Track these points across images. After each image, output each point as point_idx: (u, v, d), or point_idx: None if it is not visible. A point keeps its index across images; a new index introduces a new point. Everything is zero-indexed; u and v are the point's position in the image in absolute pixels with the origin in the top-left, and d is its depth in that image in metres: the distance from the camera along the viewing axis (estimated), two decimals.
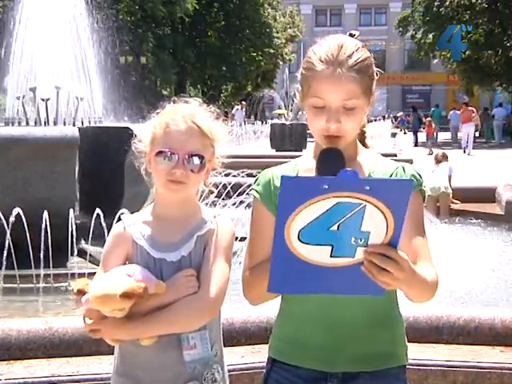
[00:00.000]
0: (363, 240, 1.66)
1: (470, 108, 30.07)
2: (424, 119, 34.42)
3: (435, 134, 32.04)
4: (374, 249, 1.67)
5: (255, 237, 2.06)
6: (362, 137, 2.13)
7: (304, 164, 2.07)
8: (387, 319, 2.03)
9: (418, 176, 2.02)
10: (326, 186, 1.59)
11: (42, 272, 5.99)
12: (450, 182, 10.98)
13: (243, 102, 37.12)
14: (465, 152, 27.37)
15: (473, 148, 28.21)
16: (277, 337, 2.10)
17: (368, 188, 1.60)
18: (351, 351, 1.99)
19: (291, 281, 1.72)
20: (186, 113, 2.12)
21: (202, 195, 2.27)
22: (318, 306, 1.94)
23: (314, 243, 1.65)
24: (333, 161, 1.90)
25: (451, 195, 10.71)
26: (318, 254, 1.67)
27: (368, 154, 2.09)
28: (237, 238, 2.21)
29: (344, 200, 1.61)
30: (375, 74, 2.02)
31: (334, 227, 1.63)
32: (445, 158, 11.51)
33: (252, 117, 36.16)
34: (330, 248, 1.66)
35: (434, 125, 30.76)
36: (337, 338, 1.98)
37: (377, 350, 2.00)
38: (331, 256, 1.67)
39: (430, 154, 24.79)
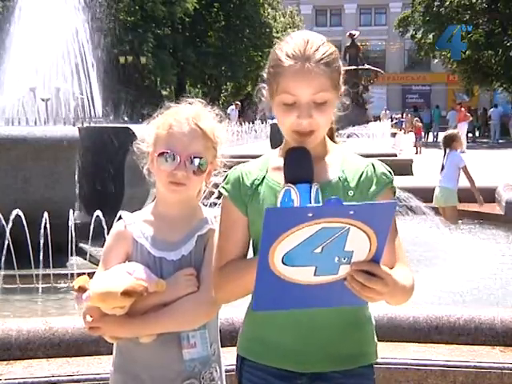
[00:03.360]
0: (346, 259, 1.67)
1: (462, 109, 30.98)
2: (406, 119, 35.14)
3: (428, 134, 32.44)
4: (357, 266, 1.67)
5: (224, 235, 2.04)
6: (331, 133, 2.11)
7: (273, 161, 2.05)
8: (357, 319, 2.02)
9: (388, 173, 2.00)
10: (311, 214, 1.60)
11: (42, 272, 5.99)
12: (467, 174, 9.11)
13: (238, 103, 37.09)
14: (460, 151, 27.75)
15: (472, 148, 28.51)
16: (245, 336, 2.09)
17: (352, 213, 1.61)
18: (321, 352, 1.98)
19: (276, 299, 1.73)
20: (189, 114, 2.13)
21: (202, 196, 2.28)
22: None
23: (298, 265, 1.66)
24: (300, 160, 1.89)
25: (457, 205, 9.30)
26: (302, 274, 1.68)
27: (337, 150, 2.07)
28: None
29: (328, 225, 1.61)
30: (342, 68, 2.01)
31: (318, 250, 1.64)
32: (456, 141, 9.27)
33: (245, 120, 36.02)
34: (313, 268, 1.67)
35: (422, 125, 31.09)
36: (306, 339, 1.98)
37: (347, 350, 2.00)
38: (315, 275, 1.68)
39: (416, 153, 25.16)
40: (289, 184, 1.86)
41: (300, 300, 1.74)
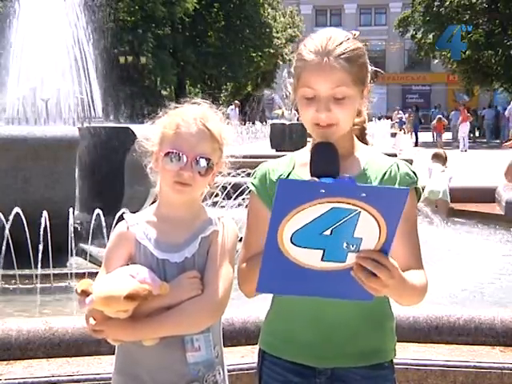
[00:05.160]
0: (355, 246, 1.66)
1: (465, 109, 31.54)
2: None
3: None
4: (365, 254, 1.67)
5: (251, 229, 2.07)
6: (362, 133, 2.13)
7: (300, 158, 2.08)
8: (377, 315, 2.04)
9: (412, 174, 2.02)
10: (323, 191, 1.60)
11: (42, 272, 5.98)
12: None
13: (237, 102, 37.10)
14: (462, 151, 28.14)
15: (472, 148, 28.71)
16: (267, 331, 2.12)
17: (364, 195, 1.60)
18: (341, 348, 2.00)
19: (281, 282, 1.73)
20: (196, 115, 2.12)
21: (204, 197, 2.28)
22: (309, 303, 1.93)
23: (307, 246, 1.66)
24: (326, 155, 1.90)
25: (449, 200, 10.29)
26: (310, 257, 1.67)
27: (365, 150, 2.08)
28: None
29: (339, 205, 1.61)
30: (368, 66, 2.03)
31: (327, 232, 1.64)
32: (445, 160, 10.80)
33: (248, 119, 35.99)
34: (321, 252, 1.67)
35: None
36: (327, 335, 1.99)
37: (367, 346, 2.01)
38: (322, 260, 1.67)
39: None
40: (313, 177, 1.86)
41: (305, 287, 1.73)
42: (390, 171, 2.00)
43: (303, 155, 2.06)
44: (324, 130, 1.95)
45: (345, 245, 1.65)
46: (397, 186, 1.97)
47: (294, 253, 1.67)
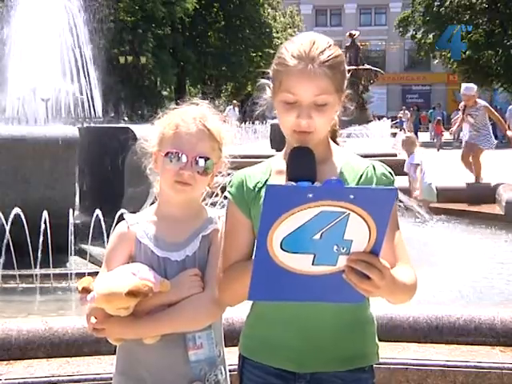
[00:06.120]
0: (345, 248, 1.65)
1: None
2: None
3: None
4: (356, 256, 1.66)
5: (229, 238, 2.05)
6: (333, 135, 2.12)
7: (276, 165, 2.06)
8: (357, 320, 2.02)
9: (388, 174, 2.01)
10: (311, 195, 1.59)
11: (42, 272, 5.98)
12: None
13: (235, 101, 37.11)
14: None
15: None
16: (247, 335, 2.10)
17: (352, 197, 1.59)
18: (321, 353, 1.98)
19: (272, 289, 1.72)
20: (196, 115, 2.13)
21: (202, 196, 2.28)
22: (290, 307, 1.92)
23: (297, 252, 1.65)
24: (302, 159, 1.89)
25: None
26: (300, 263, 1.66)
27: (341, 153, 2.07)
28: None
29: (328, 208, 1.60)
30: (347, 72, 2.01)
31: (317, 236, 1.63)
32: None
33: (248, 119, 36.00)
34: (312, 256, 1.66)
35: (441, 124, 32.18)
36: (308, 340, 1.98)
37: (347, 351, 2.00)
38: (313, 264, 1.66)
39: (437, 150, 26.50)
40: (290, 181, 1.85)
41: (296, 292, 1.72)
42: (367, 173, 1.98)
43: (279, 162, 2.04)
44: (303, 136, 1.93)
45: (335, 248, 1.65)
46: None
47: (284, 259, 1.66)
